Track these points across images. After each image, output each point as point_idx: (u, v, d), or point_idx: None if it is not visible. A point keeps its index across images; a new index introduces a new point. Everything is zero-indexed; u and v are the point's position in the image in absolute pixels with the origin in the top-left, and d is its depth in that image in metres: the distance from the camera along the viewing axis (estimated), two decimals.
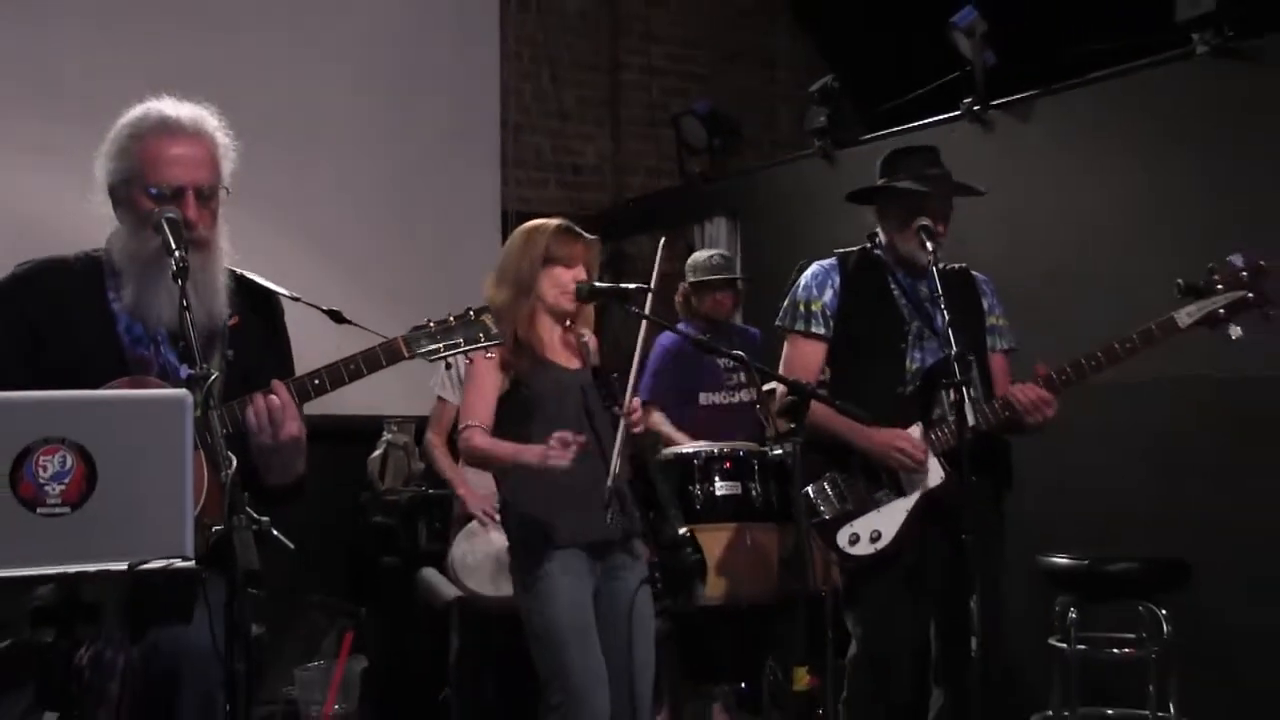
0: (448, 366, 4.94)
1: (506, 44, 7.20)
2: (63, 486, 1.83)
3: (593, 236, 3.65)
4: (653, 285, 3.66)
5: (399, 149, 6.54)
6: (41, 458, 1.82)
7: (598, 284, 3.58)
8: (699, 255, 5.54)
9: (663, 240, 3.83)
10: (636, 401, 3.56)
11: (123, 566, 1.83)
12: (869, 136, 5.84)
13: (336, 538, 5.71)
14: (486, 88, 7.07)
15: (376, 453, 5.81)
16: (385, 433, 5.85)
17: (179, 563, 1.84)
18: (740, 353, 3.61)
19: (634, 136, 7.65)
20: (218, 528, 1.97)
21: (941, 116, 5.39)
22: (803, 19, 7.96)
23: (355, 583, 5.71)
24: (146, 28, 5.74)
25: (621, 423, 3.45)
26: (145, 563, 1.83)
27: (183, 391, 1.93)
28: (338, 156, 6.32)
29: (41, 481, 1.82)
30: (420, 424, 5.59)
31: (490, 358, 3.41)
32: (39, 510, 1.82)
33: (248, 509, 2.08)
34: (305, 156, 6.14)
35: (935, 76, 5.46)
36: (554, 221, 3.63)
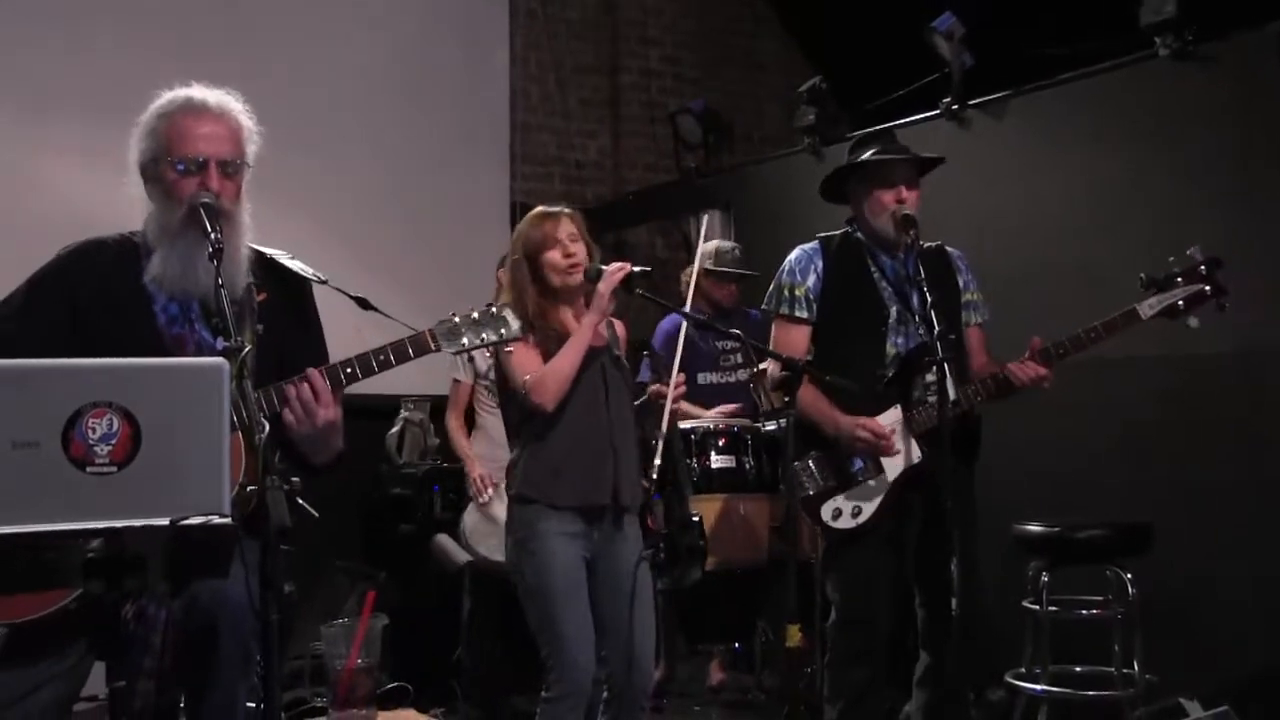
0: (470, 360, 5.00)
1: (515, 50, 7.21)
2: (110, 447, 1.83)
3: (559, 208, 3.57)
4: (697, 261, 3.61)
5: (416, 148, 6.55)
6: (91, 420, 1.82)
7: (604, 267, 3.55)
8: (722, 245, 5.49)
9: (705, 217, 3.82)
10: (681, 376, 3.55)
11: (165, 522, 1.83)
12: (854, 134, 5.82)
13: (357, 508, 5.74)
14: (496, 90, 7.10)
15: (394, 429, 5.82)
16: (403, 410, 5.86)
17: (217, 519, 1.84)
18: (737, 331, 3.63)
19: (633, 134, 7.66)
20: (251, 487, 1.98)
21: (921, 115, 5.38)
22: (789, 24, 7.95)
23: (374, 549, 5.72)
24: (179, 36, 5.72)
25: (668, 400, 3.44)
26: (186, 519, 1.83)
27: (220, 360, 1.93)
28: (360, 155, 6.33)
29: (91, 442, 1.82)
30: (435, 403, 5.62)
31: (510, 352, 3.39)
32: (88, 469, 1.82)
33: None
34: (329, 155, 6.14)
35: (916, 77, 5.46)
36: (527, 217, 3.59)
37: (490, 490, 4.75)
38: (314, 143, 5.91)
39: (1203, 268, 3.52)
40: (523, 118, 7.22)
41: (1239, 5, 4.38)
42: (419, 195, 6.52)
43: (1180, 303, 3.51)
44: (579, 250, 3.47)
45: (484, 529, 4.73)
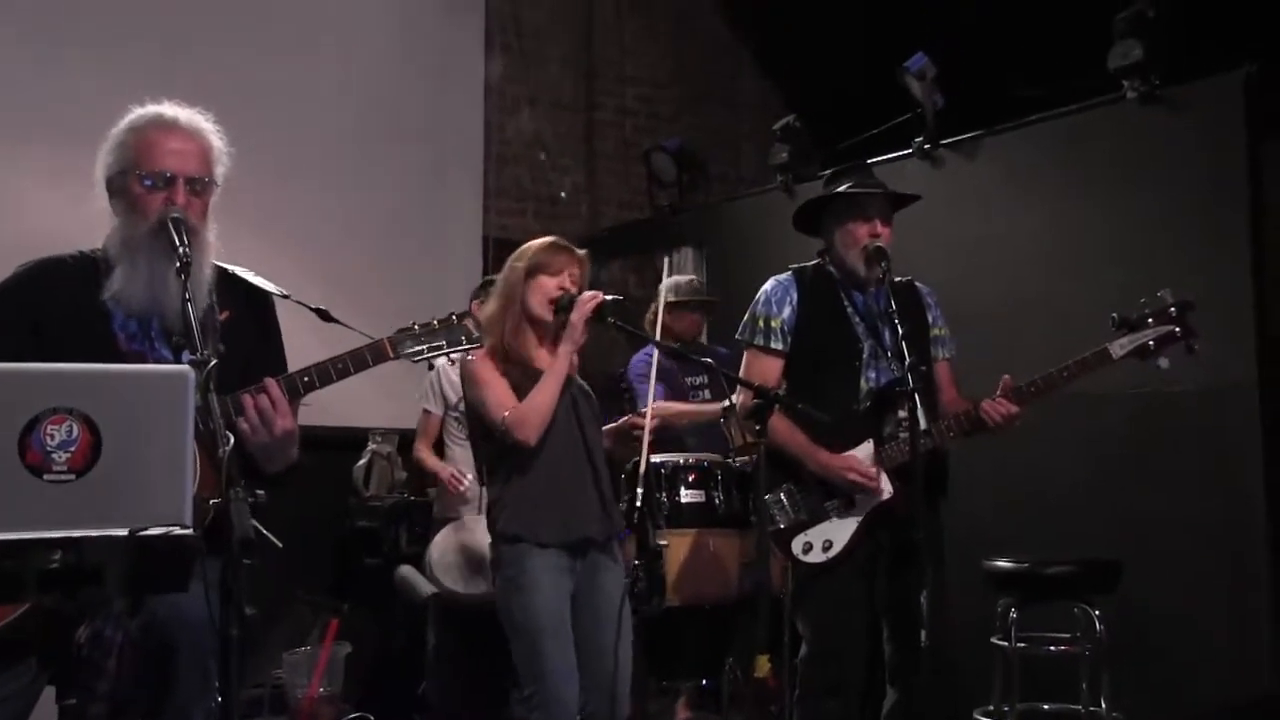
0: (431, 367, 4.98)
1: (490, 83, 7.24)
2: (69, 454, 1.79)
3: (581, 251, 3.55)
4: (661, 297, 3.62)
5: (391, 178, 6.55)
6: (49, 426, 1.78)
7: (576, 297, 3.51)
8: (679, 279, 5.52)
9: (669, 256, 3.80)
10: (654, 406, 3.52)
11: (124, 532, 1.79)
12: (827, 172, 5.86)
13: (322, 540, 5.69)
14: (472, 124, 7.12)
15: (362, 461, 5.79)
16: (370, 443, 5.83)
17: (178, 530, 1.81)
18: (709, 360, 3.62)
19: (607, 171, 7.68)
20: (215, 500, 1.94)
21: (895, 154, 5.41)
22: (765, 65, 8.01)
23: (339, 582, 5.68)
24: (153, 60, 5.71)
25: (647, 426, 3.39)
26: (146, 529, 1.79)
27: (185, 367, 1.90)
28: (332, 184, 6.32)
29: (48, 449, 1.78)
30: (404, 436, 5.59)
31: (473, 359, 3.37)
32: (45, 476, 1.78)
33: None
34: (301, 182, 6.14)
35: (889, 117, 5.49)
36: (545, 238, 3.56)
37: (467, 481, 4.71)
38: (285, 170, 5.89)
39: (1173, 309, 3.52)
40: (497, 152, 7.23)
41: (1205, 50, 4.45)
42: (392, 225, 6.52)
43: (1151, 343, 3.51)
44: (574, 289, 3.46)
45: (449, 561, 4.68)
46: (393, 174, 6.55)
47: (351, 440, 5.82)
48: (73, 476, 1.79)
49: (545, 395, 3.32)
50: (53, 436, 1.78)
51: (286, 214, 5.92)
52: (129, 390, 1.85)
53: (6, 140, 5.47)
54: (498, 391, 3.37)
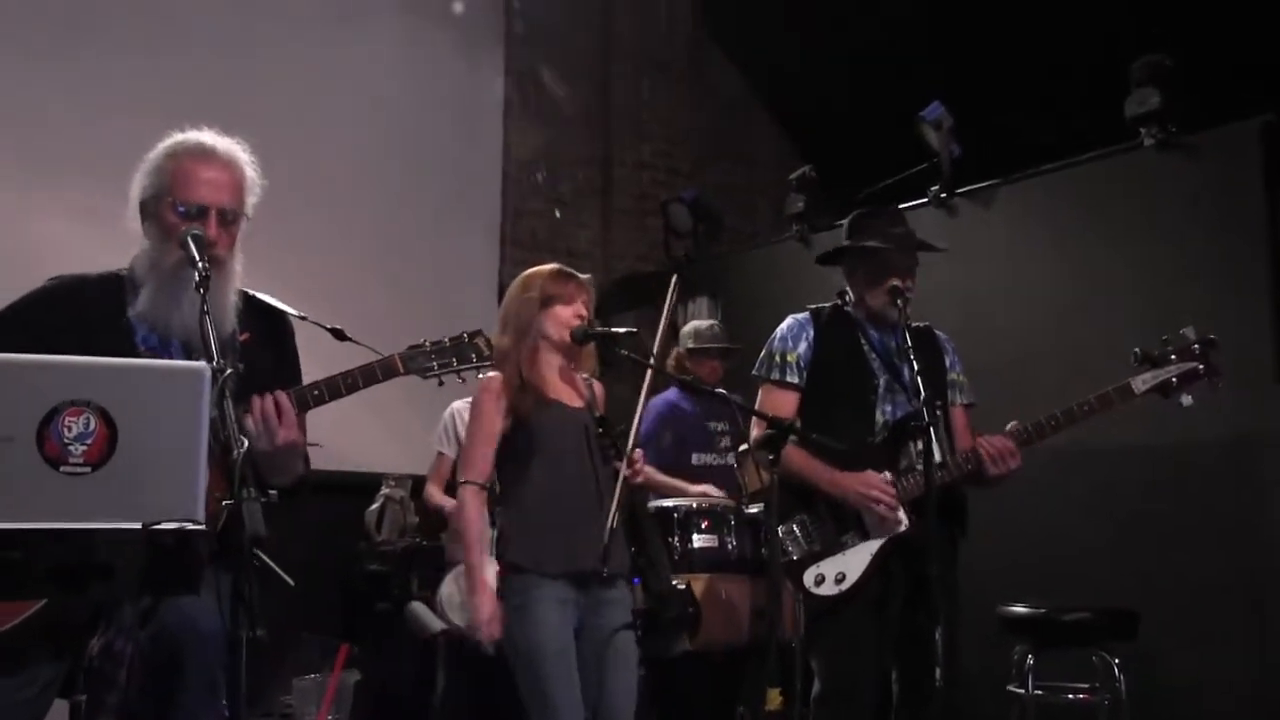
0: (440, 384, 4.99)
1: (510, 137, 7.32)
2: (85, 447, 1.81)
3: (585, 275, 3.61)
4: (663, 322, 3.66)
5: (410, 227, 6.62)
6: (67, 418, 1.80)
7: (590, 329, 3.54)
8: (699, 324, 5.54)
9: (674, 279, 3.80)
10: (639, 453, 3.51)
11: (137, 526, 1.80)
12: (842, 222, 5.89)
13: (333, 583, 5.66)
14: (490, 175, 7.20)
15: (374, 505, 5.77)
16: (384, 487, 5.82)
17: (190, 526, 1.82)
18: (722, 391, 3.62)
19: (623, 225, 7.73)
20: (227, 501, 1.96)
21: (910, 203, 5.43)
22: (782, 118, 8.09)
23: (349, 624, 5.64)
24: (179, 102, 5.72)
25: (621, 474, 3.39)
26: (158, 524, 1.80)
27: (201, 364, 1.93)
28: (351, 229, 6.36)
29: (66, 441, 1.80)
30: (417, 481, 5.58)
31: (487, 382, 3.39)
32: (61, 468, 1.80)
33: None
34: (320, 225, 6.18)
35: (905, 167, 5.53)
36: (548, 266, 3.61)
37: None
38: (299, 217, 5.91)
39: (1197, 346, 3.51)
40: (515, 203, 7.30)
41: (1221, 98, 4.49)
42: (410, 272, 6.55)
43: (1174, 379, 3.49)
44: (587, 317, 3.52)
45: (460, 599, 4.66)
46: (416, 224, 6.62)
47: (364, 485, 5.81)
48: (88, 469, 1.81)
49: (467, 541, 3.42)
50: (70, 428, 1.80)
51: (298, 261, 5.93)
52: (146, 385, 1.87)
53: (39, 180, 5.53)
54: (476, 446, 3.45)
